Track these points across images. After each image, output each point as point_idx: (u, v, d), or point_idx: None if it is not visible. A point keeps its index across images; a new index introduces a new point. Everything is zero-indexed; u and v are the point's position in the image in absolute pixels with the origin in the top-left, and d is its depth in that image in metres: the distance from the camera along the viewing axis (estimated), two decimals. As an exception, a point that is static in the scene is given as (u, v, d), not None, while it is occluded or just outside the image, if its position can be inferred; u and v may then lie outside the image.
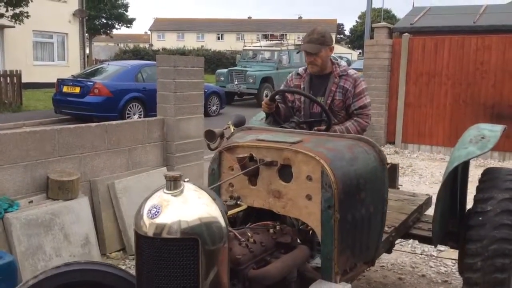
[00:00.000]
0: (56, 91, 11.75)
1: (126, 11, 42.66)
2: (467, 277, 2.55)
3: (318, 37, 3.03)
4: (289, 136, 2.43)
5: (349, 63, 30.08)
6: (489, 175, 2.85)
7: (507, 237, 2.47)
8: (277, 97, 3.12)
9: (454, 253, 3.40)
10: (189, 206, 1.64)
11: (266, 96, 17.09)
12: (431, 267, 3.80)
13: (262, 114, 3.26)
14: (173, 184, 1.65)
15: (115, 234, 3.98)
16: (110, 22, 41.93)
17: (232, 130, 2.78)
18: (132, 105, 11.36)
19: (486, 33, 9.69)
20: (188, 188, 1.69)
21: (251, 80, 16.68)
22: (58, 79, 11.93)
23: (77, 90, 11.18)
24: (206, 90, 13.45)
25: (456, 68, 8.27)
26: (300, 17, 70.93)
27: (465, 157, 2.61)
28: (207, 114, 13.33)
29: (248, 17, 71.78)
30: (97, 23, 40.62)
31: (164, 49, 37.89)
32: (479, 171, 3.12)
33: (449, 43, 8.32)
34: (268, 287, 1.95)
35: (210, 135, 2.76)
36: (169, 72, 4.50)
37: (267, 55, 18.70)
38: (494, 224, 2.50)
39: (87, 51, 32.09)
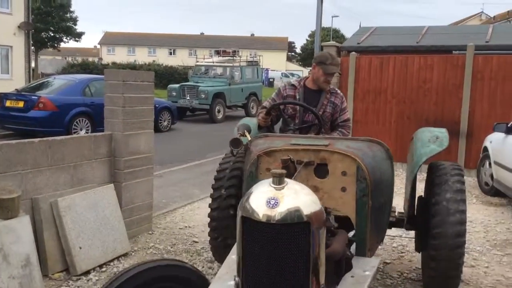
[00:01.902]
0: (-2, 106, 11.26)
1: (75, 24, 41.72)
2: (432, 254, 3.11)
3: (337, 61, 3.71)
4: (317, 140, 2.91)
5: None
6: (437, 169, 3.39)
7: (460, 220, 3.07)
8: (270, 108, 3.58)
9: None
10: (299, 196, 1.97)
11: (219, 111, 17.17)
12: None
13: (243, 125, 3.43)
14: (279, 180, 1.96)
15: (58, 254, 3.82)
16: (57, 35, 40.82)
17: (249, 138, 3.09)
18: (79, 120, 11.06)
19: (428, 53, 10.16)
20: (290, 182, 2.02)
21: (203, 96, 16.64)
22: (0, 93, 11.44)
23: (20, 104, 10.77)
24: (157, 106, 13.30)
25: (400, 86, 8.61)
26: (252, 34, 71.75)
27: (430, 153, 3.18)
28: (158, 129, 13.14)
29: (201, 33, 71.85)
30: (44, 36, 39.44)
31: (114, 63, 37.16)
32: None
33: (393, 62, 8.66)
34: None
35: (236, 143, 3.00)
36: (118, 87, 4.42)
37: (219, 71, 18.76)
38: (451, 211, 3.08)
39: (33, 65, 31.05)
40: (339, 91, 3.84)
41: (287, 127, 3.66)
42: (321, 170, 2.66)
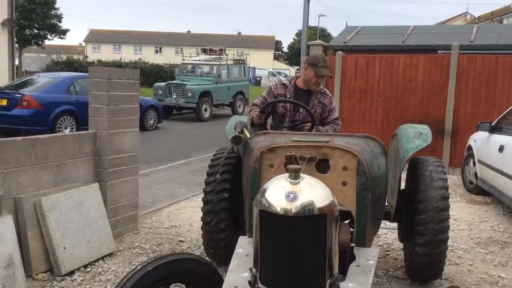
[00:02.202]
0: (-19, 104, 11.06)
1: (60, 21, 41.22)
2: (419, 243, 3.35)
3: (328, 64, 3.83)
4: (317, 137, 3.07)
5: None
6: (418, 164, 3.62)
7: (444, 207, 3.35)
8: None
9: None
10: (315, 190, 2.12)
11: (205, 110, 17.11)
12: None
13: (232, 123, 3.51)
14: (295, 175, 2.10)
15: (42, 254, 3.76)
16: (42, 33, 40.30)
17: (248, 135, 3.17)
18: (64, 119, 10.92)
19: (413, 52, 10.25)
20: (305, 177, 2.14)
21: (189, 94, 16.56)
22: (-18, 91, 11.25)
23: (4, 102, 10.58)
24: (143, 104, 13.19)
25: (386, 85, 8.67)
26: (239, 33, 71.66)
27: (416, 148, 3.34)
28: (144, 128, 13.04)
29: (188, 31, 71.54)
30: (28, 33, 38.91)
31: (99, 61, 36.85)
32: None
33: (379, 61, 8.72)
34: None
35: (237, 140, 3.07)
36: (102, 84, 4.37)
37: (206, 69, 18.69)
38: (435, 199, 3.34)
39: (17, 62, 30.57)
40: (328, 92, 4.02)
41: (280, 125, 3.80)
42: (323, 165, 2.81)
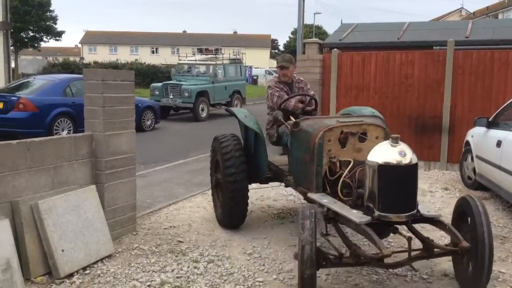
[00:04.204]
0: (-23, 107, 11.02)
1: (55, 23, 41.17)
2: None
3: (288, 58, 5.24)
4: (353, 118, 4.36)
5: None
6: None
7: None
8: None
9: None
10: (409, 149, 3.34)
11: (202, 110, 17.08)
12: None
13: (245, 111, 5.04)
14: (397, 140, 3.30)
15: (40, 257, 3.75)
16: (37, 35, 40.23)
17: (293, 120, 4.45)
18: (61, 121, 10.88)
19: (409, 48, 10.24)
20: (400, 142, 3.32)
21: (186, 94, 16.53)
22: (-22, 95, 11.20)
23: (0, 105, 10.55)
24: (140, 105, 13.17)
25: (382, 82, 8.66)
26: (235, 32, 71.60)
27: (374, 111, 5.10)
28: (141, 129, 13.03)
29: (183, 31, 71.45)
30: (23, 35, 38.82)
31: (96, 62, 36.76)
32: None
33: (375, 58, 8.71)
34: None
35: (297, 124, 4.26)
36: (97, 86, 4.35)
37: (202, 69, 18.64)
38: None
39: (13, 65, 30.47)
40: (302, 79, 5.42)
41: (296, 112, 4.97)
42: (362, 137, 3.98)
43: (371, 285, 3.73)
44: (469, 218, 3.50)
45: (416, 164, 3.29)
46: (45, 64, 38.15)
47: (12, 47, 32.79)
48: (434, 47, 10.63)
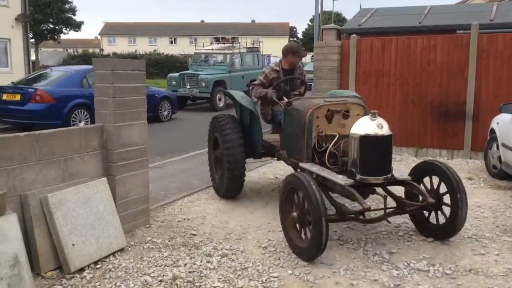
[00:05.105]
0: (-5, 99, 11.10)
1: (74, 15, 41.41)
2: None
3: (301, 47, 5.71)
4: (337, 98, 4.88)
5: (302, 65, 30.29)
6: None
7: None
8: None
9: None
10: (385, 122, 3.93)
11: (220, 99, 16.96)
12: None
13: (241, 93, 5.79)
14: (376, 115, 3.89)
15: (50, 252, 3.67)
16: (57, 27, 40.53)
17: (286, 100, 4.98)
18: (78, 112, 10.90)
19: (431, 33, 9.90)
20: (378, 116, 3.92)
21: (203, 84, 16.42)
22: (-3, 87, 11.29)
23: (17, 97, 10.61)
24: (156, 95, 13.12)
25: (403, 68, 8.36)
26: (253, 21, 71.16)
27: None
28: (158, 119, 12.98)
29: (201, 21, 71.29)
30: (43, 28, 39.18)
31: (115, 53, 36.95)
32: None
33: (396, 43, 8.41)
34: None
35: (290, 103, 4.74)
36: (107, 76, 4.23)
37: (219, 58, 18.48)
38: None
39: (33, 57, 30.78)
40: (300, 65, 5.86)
41: (287, 93, 5.48)
42: (345, 114, 4.53)
43: (391, 280, 3.55)
44: (433, 177, 4.22)
45: (391, 135, 3.92)
46: (65, 56, 38.52)
47: (32, 40, 33.12)
48: (457, 31, 10.26)
